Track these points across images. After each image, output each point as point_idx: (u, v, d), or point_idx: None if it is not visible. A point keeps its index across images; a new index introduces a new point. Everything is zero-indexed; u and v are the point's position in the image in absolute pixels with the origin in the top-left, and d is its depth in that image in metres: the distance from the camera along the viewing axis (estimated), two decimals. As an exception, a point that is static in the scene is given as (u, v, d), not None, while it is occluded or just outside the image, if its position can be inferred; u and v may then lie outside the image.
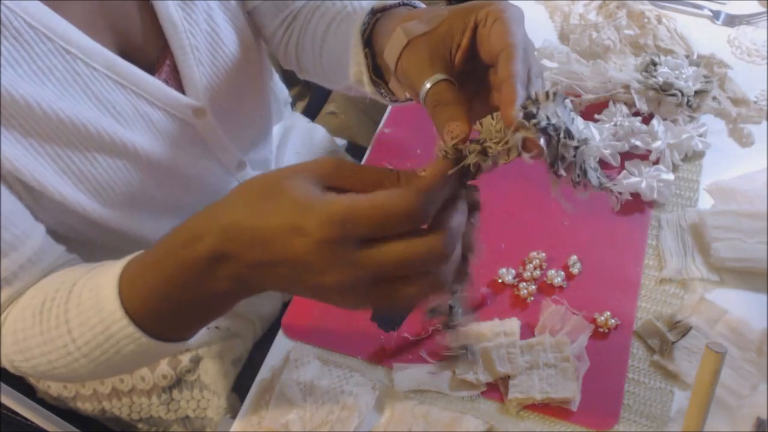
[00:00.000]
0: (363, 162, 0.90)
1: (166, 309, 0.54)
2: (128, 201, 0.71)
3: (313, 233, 0.43)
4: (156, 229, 0.72)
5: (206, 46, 0.73)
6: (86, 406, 0.88)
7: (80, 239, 0.69)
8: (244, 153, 0.83)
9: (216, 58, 0.74)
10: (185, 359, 0.84)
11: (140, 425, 0.89)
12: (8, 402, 0.82)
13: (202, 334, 0.84)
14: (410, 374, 0.69)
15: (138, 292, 0.54)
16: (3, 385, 0.82)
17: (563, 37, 1.04)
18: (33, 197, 0.64)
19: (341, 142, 1.16)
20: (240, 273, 0.48)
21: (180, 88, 0.72)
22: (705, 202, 0.83)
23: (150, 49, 0.70)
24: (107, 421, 0.92)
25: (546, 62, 0.97)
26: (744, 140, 0.89)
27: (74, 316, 0.58)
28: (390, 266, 0.44)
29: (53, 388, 0.88)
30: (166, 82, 0.70)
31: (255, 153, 0.87)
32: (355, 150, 1.17)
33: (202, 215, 0.50)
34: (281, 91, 1.02)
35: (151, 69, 0.69)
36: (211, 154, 0.79)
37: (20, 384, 0.89)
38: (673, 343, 0.69)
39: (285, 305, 0.84)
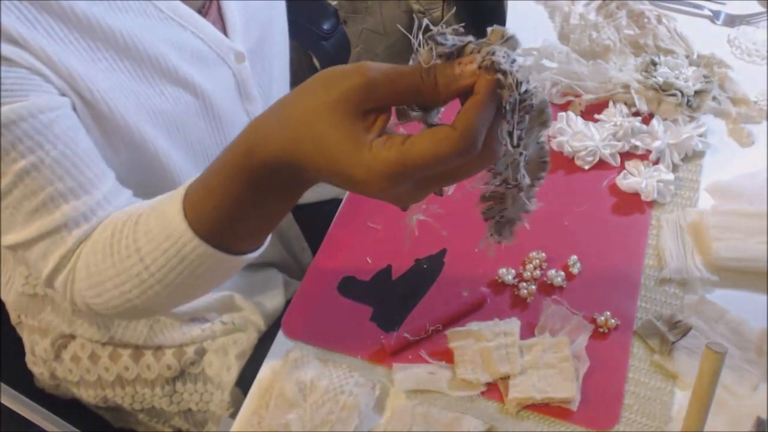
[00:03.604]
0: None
1: (237, 224, 0.57)
2: (186, 143, 0.75)
3: (368, 185, 0.46)
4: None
5: None
6: (89, 393, 0.88)
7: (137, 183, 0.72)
8: None
9: (248, 5, 0.79)
10: (190, 351, 0.84)
11: (141, 416, 0.90)
12: (8, 402, 0.82)
13: (207, 327, 0.85)
14: (410, 374, 0.69)
15: (207, 214, 0.56)
16: (3, 385, 0.82)
17: (563, 37, 1.04)
18: (108, 137, 0.67)
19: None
20: (303, 177, 0.51)
21: (223, 32, 0.76)
22: (705, 202, 0.83)
23: None
24: (107, 411, 0.93)
25: (546, 62, 0.97)
26: (744, 140, 0.89)
27: (144, 243, 0.60)
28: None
29: (58, 371, 0.88)
30: (213, 24, 0.74)
31: None
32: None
33: (257, 131, 0.51)
34: None
35: (200, 13, 0.73)
36: (243, 107, 0.81)
37: (19, 376, 0.90)
38: (673, 343, 0.69)
39: (288, 301, 0.85)
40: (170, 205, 0.58)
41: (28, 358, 0.91)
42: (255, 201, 0.54)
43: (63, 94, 0.62)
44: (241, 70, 0.78)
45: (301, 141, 0.47)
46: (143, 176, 0.72)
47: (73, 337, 0.87)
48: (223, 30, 0.76)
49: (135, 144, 0.69)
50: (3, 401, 0.81)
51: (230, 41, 0.76)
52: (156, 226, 0.59)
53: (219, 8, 0.76)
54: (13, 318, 0.91)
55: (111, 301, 0.64)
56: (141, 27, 0.66)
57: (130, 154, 0.69)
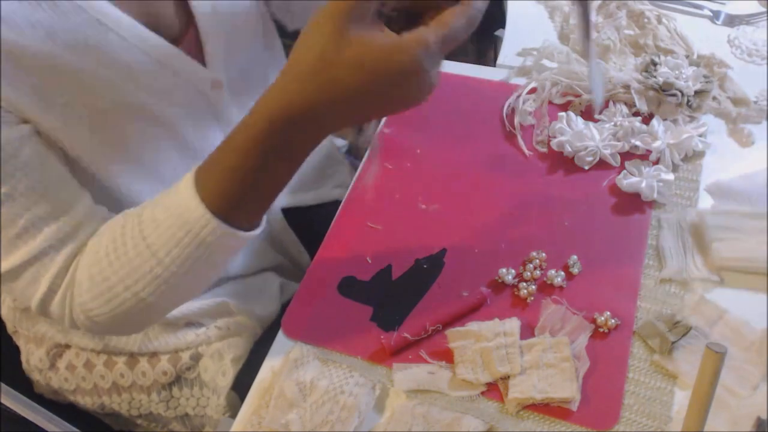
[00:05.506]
0: (362, 164, 0.90)
1: (246, 193, 0.58)
2: (155, 174, 0.74)
3: (415, 66, 0.50)
4: None
5: (227, 16, 0.75)
6: (86, 400, 0.88)
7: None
8: None
9: (231, 30, 0.77)
10: (185, 356, 0.84)
11: (139, 421, 0.90)
12: (8, 402, 0.82)
13: (202, 332, 0.84)
14: (410, 374, 0.69)
15: (215, 188, 0.58)
16: (3, 385, 0.82)
17: (563, 37, 1.04)
18: (74, 174, 0.66)
19: (341, 142, 1.16)
20: (321, 122, 0.54)
21: (200, 60, 0.74)
22: (705, 202, 0.83)
23: (173, 20, 0.72)
24: (106, 417, 0.93)
25: (546, 62, 0.97)
26: (744, 140, 0.89)
27: (155, 239, 0.60)
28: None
29: (54, 380, 0.88)
30: (189, 53, 0.72)
31: None
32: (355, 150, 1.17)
33: (271, 96, 0.54)
34: None
35: (174, 41, 0.71)
36: (221, 129, 0.80)
37: (19, 378, 0.90)
38: (673, 343, 0.69)
39: (284, 306, 0.85)
40: (180, 194, 0.59)
41: (25, 367, 0.91)
42: (274, 166, 0.56)
43: (25, 122, 0.61)
44: (214, 96, 0.77)
45: (334, 65, 0.50)
46: (113, 208, 0.71)
47: (68, 346, 0.87)
48: (202, 58, 0.74)
49: (101, 183, 0.68)
50: (3, 402, 0.81)
51: (207, 71, 0.74)
52: (167, 218, 0.59)
53: (198, 36, 0.74)
54: (9, 327, 0.91)
55: (123, 304, 0.63)
56: (99, 62, 0.64)
57: (97, 191, 0.69)
